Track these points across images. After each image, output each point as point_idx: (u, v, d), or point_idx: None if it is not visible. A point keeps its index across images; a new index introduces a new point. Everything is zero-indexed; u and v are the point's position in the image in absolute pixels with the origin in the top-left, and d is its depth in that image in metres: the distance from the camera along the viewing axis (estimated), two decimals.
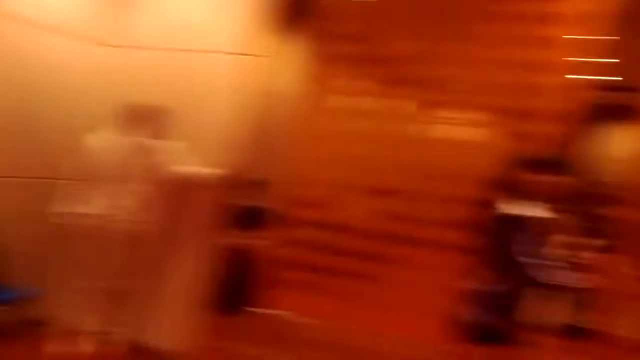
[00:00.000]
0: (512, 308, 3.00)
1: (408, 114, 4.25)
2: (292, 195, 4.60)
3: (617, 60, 7.71)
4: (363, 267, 4.38)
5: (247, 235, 4.64)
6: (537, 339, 3.27)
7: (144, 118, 3.45)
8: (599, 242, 3.08)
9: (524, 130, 3.99)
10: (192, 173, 3.42)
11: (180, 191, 3.47)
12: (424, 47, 4.14)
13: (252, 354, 3.82)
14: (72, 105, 3.91)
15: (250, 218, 4.64)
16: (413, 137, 4.26)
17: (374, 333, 4.24)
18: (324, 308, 4.37)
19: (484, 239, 3.00)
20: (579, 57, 3.82)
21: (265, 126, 4.24)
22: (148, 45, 3.83)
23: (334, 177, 4.42)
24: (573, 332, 4.86)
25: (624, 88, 9.28)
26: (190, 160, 3.39)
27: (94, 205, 3.35)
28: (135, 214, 3.36)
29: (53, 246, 3.46)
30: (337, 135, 4.43)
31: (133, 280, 3.43)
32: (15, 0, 3.60)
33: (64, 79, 3.89)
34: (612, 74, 8.52)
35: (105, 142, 3.49)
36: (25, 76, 3.68)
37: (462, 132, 4.16)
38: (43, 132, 3.79)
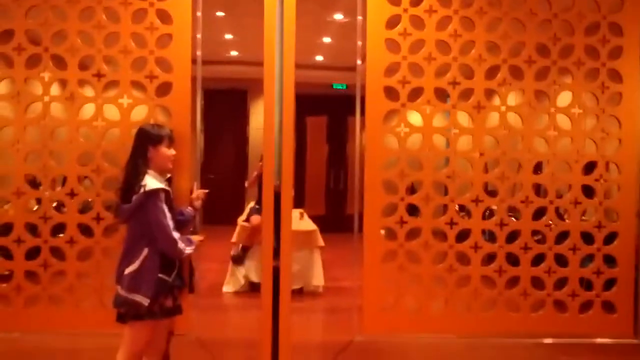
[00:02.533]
0: (178, 281, 3.09)
1: (51, 94, 3.74)
2: None
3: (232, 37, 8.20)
4: (32, 265, 3.81)
5: None
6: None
7: None
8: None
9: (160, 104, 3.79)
10: None
11: None
12: (51, 21, 3.73)
13: None
14: None
15: None
16: (58, 119, 3.83)
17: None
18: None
19: (139, 217, 2.96)
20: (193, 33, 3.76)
21: None
22: None
23: None
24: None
25: (240, 62, 9.91)
26: None
27: None
28: None
29: None
30: None
31: None
32: None
33: None
34: (228, 50, 9.05)
35: None
36: None
37: (107, 109, 3.80)
38: None
